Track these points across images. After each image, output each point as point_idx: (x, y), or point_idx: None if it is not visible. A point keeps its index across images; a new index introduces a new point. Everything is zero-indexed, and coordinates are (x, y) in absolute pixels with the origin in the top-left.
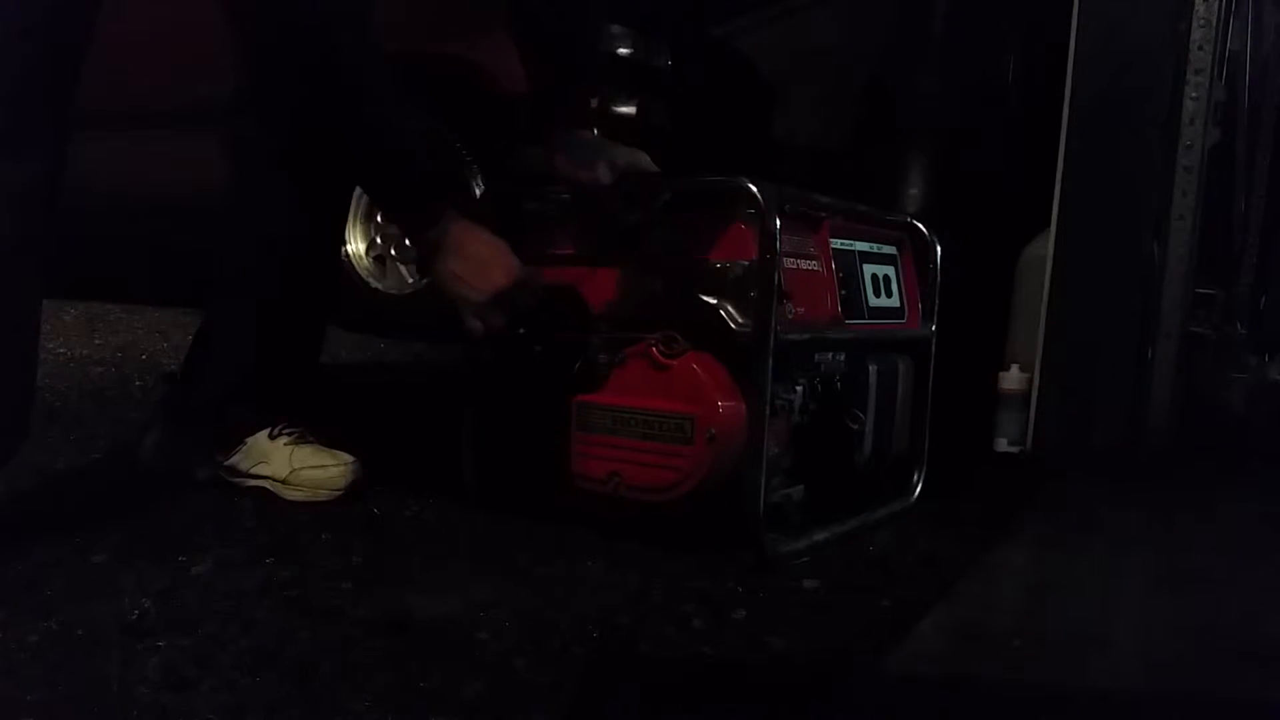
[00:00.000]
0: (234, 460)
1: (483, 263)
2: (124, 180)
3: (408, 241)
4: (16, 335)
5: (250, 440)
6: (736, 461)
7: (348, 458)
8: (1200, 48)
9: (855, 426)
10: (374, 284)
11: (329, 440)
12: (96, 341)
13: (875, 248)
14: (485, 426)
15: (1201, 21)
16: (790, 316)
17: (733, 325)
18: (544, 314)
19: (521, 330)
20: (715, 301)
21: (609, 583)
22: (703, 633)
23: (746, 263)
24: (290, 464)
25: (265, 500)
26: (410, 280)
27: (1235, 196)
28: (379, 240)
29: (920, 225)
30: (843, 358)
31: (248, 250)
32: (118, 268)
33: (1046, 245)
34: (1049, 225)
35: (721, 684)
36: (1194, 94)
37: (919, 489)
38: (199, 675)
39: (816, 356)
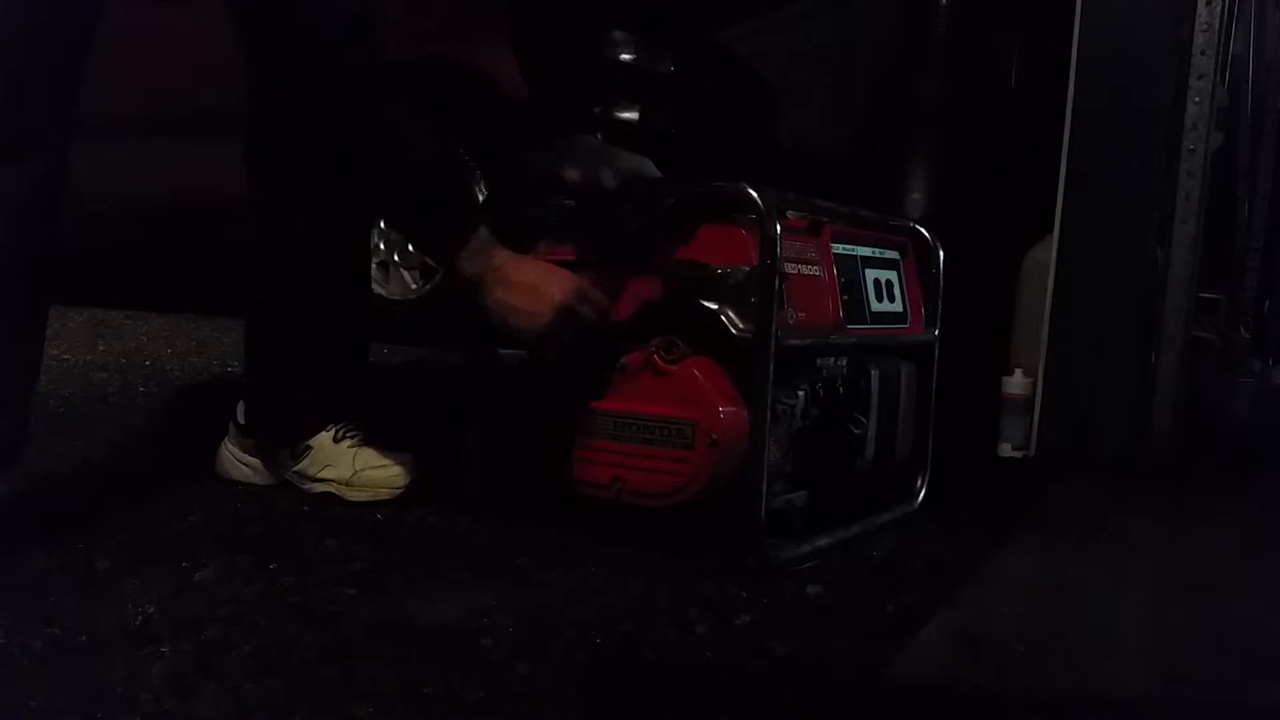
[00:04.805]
0: (302, 466)
1: (534, 285)
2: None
3: (449, 269)
4: (20, 340)
5: (316, 445)
6: (738, 467)
7: (407, 457)
8: (1203, 52)
9: (858, 431)
10: (377, 289)
11: (391, 442)
12: (100, 348)
13: (878, 252)
14: (487, 432)
15: (1204, 26)
16: (791, 321)
17: (734, 330)
18: (606, 322)
19: (590, 343)
20: (716, 307)
21: (612, 588)
22: (706, 638)
23: (747, 268)
24: (354, 466)
25: (268, 505)
26: (414, 286)
27: (1239, 201)
28: (382, 246)
29: (923, 230)
30: (845, 363)
31: (271, 256)
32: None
33: (1050, 250)
34: (1052, 230)
35: (725, 689)
36: (1196, 98)
37: (922, 494)
38: (202, 681)
39: (818, 361)
